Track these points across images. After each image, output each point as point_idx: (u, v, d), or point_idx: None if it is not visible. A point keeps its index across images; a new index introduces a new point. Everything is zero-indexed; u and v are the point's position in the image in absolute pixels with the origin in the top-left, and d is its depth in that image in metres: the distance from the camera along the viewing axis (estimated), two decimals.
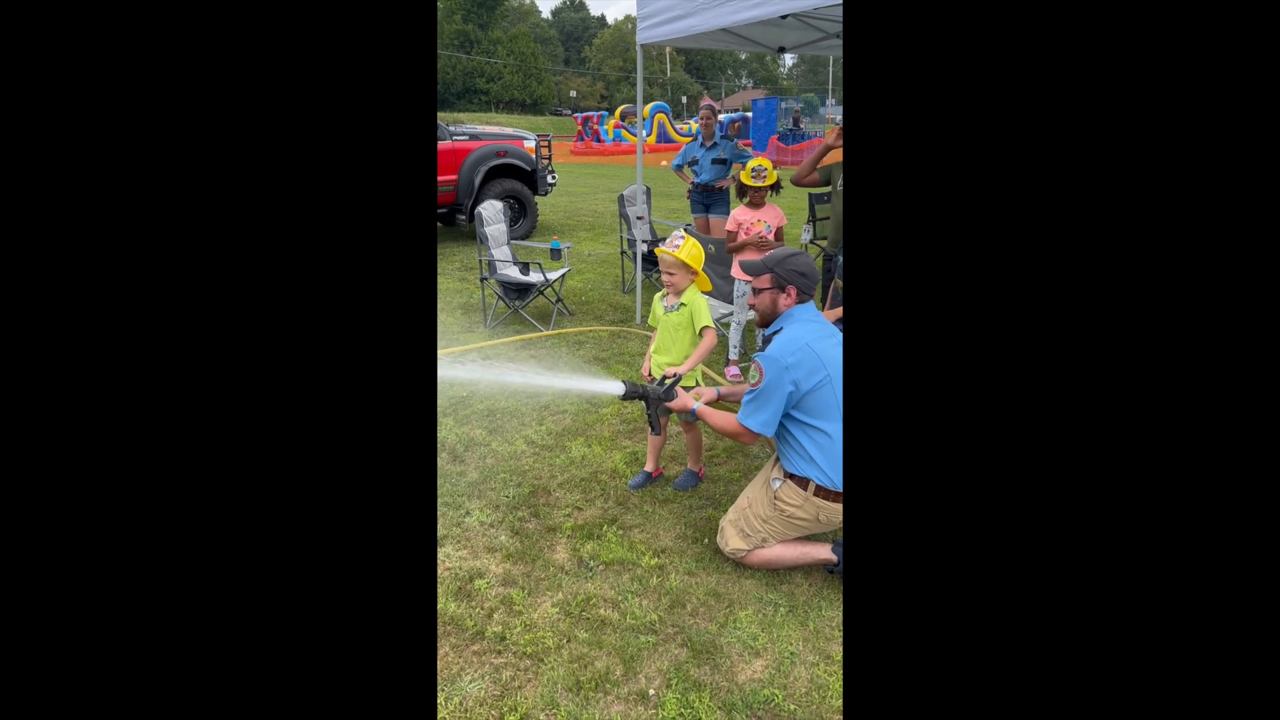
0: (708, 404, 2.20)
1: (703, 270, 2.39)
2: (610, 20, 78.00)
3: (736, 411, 2.00)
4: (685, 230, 4.82)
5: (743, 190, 3.49)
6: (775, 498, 2.00)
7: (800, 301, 2.01)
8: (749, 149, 5.97)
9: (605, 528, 2.31)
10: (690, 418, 2.18)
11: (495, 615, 1.90)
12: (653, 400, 2.20)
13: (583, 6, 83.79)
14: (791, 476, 1.98)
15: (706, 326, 2.38)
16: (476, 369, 3.03)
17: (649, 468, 2.62)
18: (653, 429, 2.36)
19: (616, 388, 2.15)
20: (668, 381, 2.20)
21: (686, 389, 2.32)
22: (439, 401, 3.34)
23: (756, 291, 2.04)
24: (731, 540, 2.06)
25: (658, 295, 2.50)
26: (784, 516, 1.98)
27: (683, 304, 2.39)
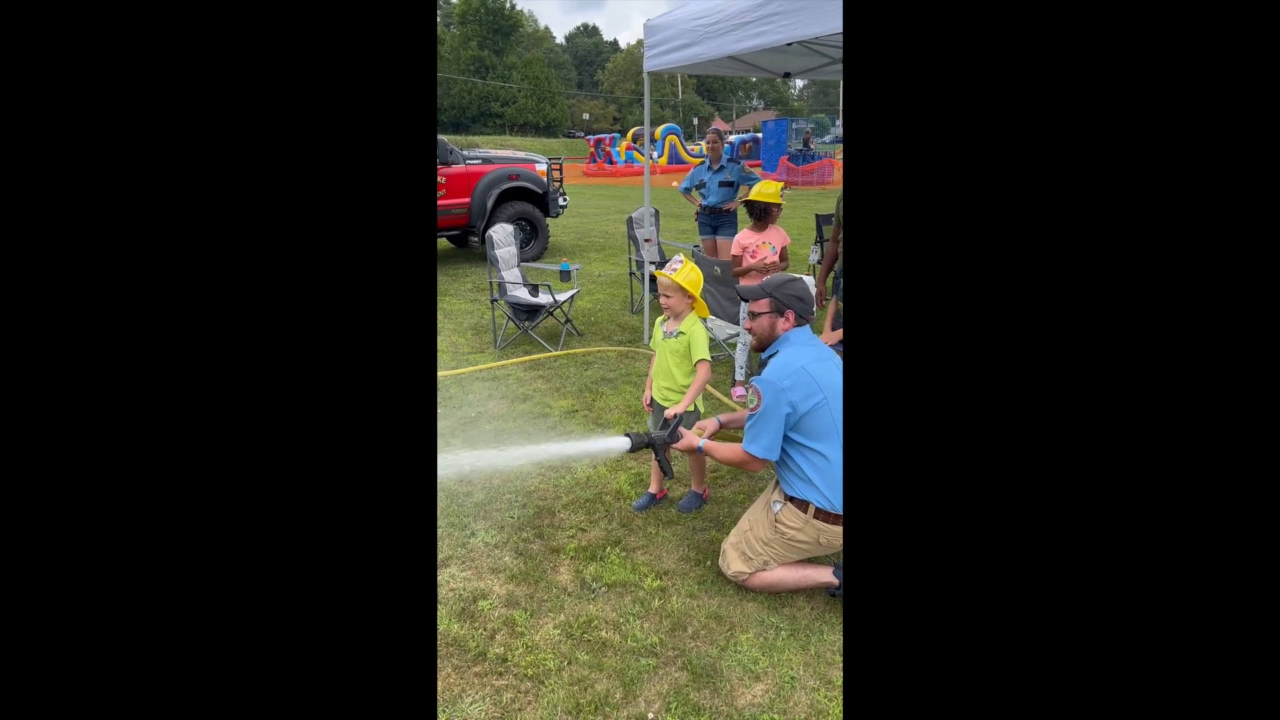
0: (711, 436, 2.21)
1: (700, 296, 2.40)
2: (623, 45, 79.34)
3: (739, 439, 2.02)
4: (693, 251, 4.88)
5: (751, 210, 3.54)
6: (776, 520, 2.00)
7: (798, 325, 2.04)
8: (756, 171, 6.04)
9: (608, 549, 2.32)
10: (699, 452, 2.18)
11: (498, 636, 1.92)
12: (659, 446, 2.22)
13: (596, 31, 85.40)
14: (791, 499, 1.98)
15: (702, 360, 2.36)
16: (475, 456, 2.87)
17: (653, 489, 2.63)
18: (665, 473, 2.34)
19: (622, 443, 2.16)
20: (670, 423, 2.21)
21: (688, 415, 2.33)
22: (448, 421, 3.38)
23: (754, 315, 2.07)
24: (733, 563, 2.06)
25: (659, 318, 2.52)
26: (785, 539, 1.99)
27: (681, 332, 2.39)
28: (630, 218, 5.42)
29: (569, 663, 1.81)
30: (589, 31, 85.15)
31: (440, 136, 7.16)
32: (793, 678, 1.76)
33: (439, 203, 7.02)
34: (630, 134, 25.12)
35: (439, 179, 6.96)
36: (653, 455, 2.35)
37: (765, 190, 3.53)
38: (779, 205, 3.55)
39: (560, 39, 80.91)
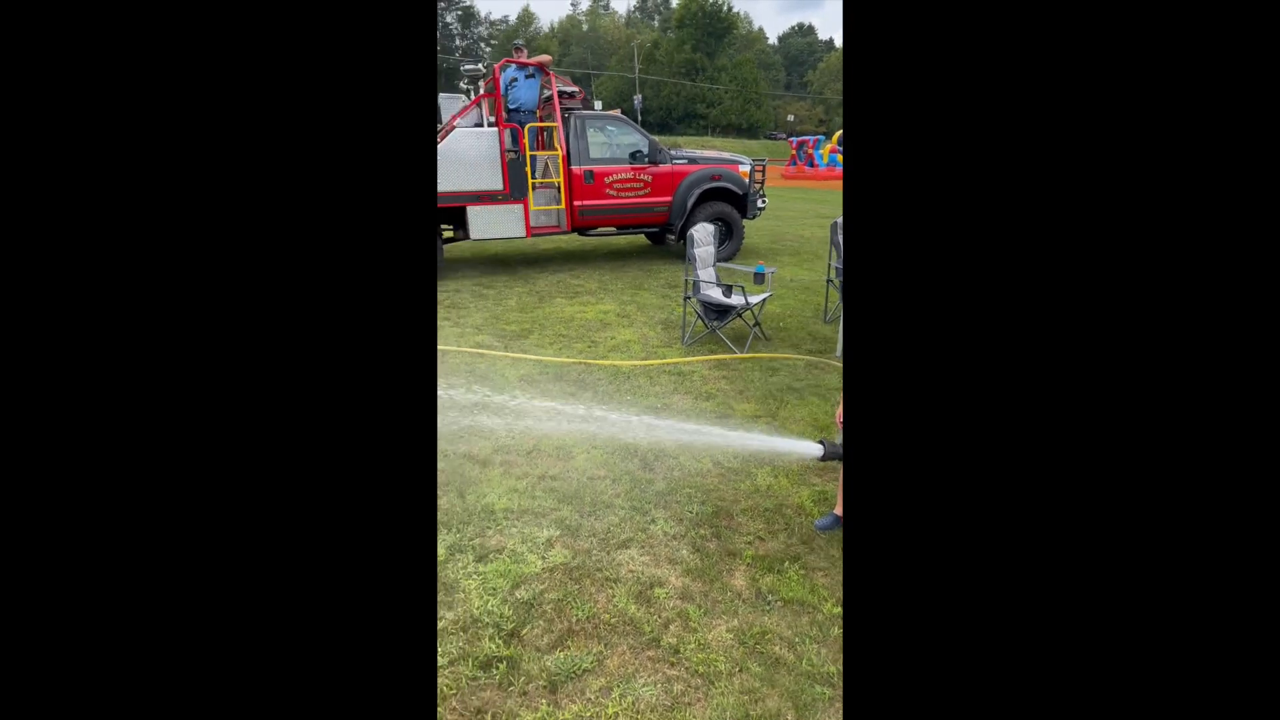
0: None
1: None
2: (838, 44, 76.25)
3: None
4: None
5: None
6: None
7: None
8: None
9: (787, 564, 2.25)
10: None
11: (671, 627, 1.95)
12: None
13: (811, 31, 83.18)
14: None
15: None
16: (667, 424, 3.00)
17: (839, 511, 2.50)
18: None
19: (814, 449, 2.06)
20: None
21: None
22: (633, 409, 3.52)
23: None
24: None
25: None
26: None
27: None
28: (835, 223, 5.19)
29: (740, 670, 1.79)
30: (803, 31, 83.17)
31: (651, 136, 7.46)
32: None
33: (644, 200, 7.34)
34: (835, 137, 24.09)
35: (646, 178, 7.26)
36: (842, 472, 2.23)
37: None
38: None
39: (773, 39, 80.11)
